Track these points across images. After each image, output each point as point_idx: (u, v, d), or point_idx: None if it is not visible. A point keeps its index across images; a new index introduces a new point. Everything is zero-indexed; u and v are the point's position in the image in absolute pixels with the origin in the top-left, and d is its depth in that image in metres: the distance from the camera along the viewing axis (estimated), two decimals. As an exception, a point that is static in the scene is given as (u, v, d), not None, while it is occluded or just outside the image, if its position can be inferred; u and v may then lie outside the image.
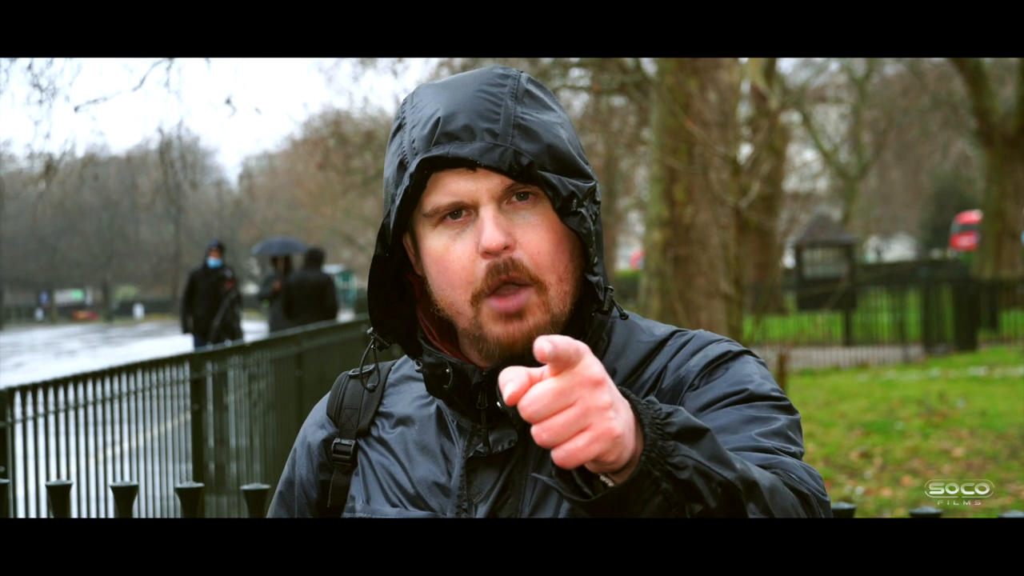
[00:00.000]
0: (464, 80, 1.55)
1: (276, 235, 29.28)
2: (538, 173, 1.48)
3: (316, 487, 1.69)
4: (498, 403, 1.51)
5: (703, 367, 1.53)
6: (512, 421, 1.52)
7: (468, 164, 1.48)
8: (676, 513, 1.24)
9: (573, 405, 1.18)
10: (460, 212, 1.51)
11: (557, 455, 1.18)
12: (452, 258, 1.51)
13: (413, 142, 1.52)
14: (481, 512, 1.53)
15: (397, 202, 1.52)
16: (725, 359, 1.54)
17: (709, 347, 1.56)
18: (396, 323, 1.63)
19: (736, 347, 1.57)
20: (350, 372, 1.73)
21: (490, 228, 1.48)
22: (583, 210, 1.50)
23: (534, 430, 1.19)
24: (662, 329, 1.62)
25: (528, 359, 1.47)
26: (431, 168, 1.50)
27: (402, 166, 1.53)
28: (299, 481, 1.71)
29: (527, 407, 1.18)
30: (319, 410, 1.74)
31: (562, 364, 1.18)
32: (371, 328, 1.63)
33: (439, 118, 1.50)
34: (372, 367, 1.71)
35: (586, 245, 1.51)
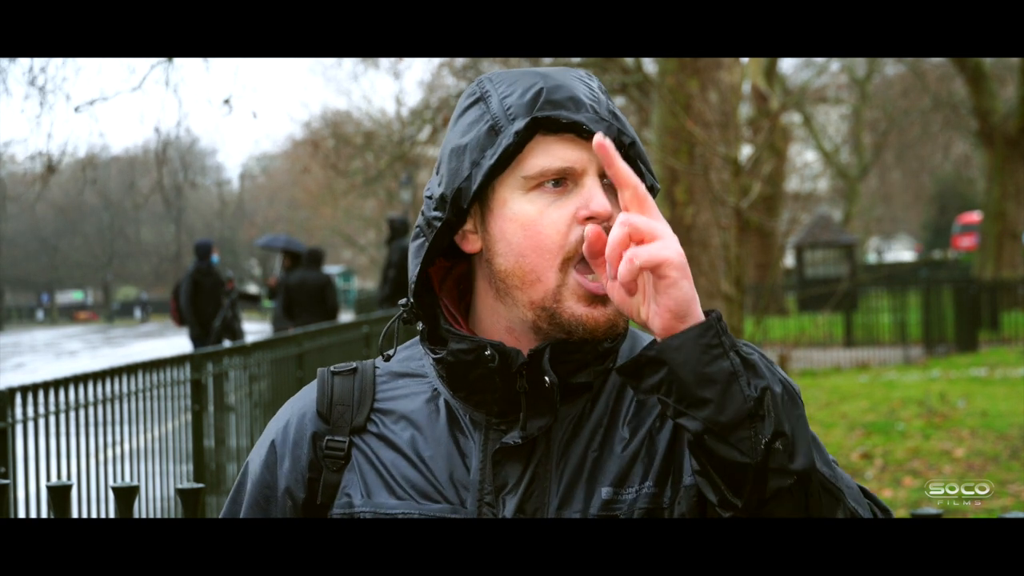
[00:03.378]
0: (552, 68, 1.59)
1: (277, 234, 29.23)
2: (635, 156, 1.54)
3: (304, 487, 1.61)
4: (546, 378, 1.51)
5: None
6: (555, 404, 1.52)
7: (579, 130, 1.50)
8: (743, 384, 1.34)
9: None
10: (561, 182, 1.51)
11: (628, 253, 1.35)
12: (546, 222, 1.50)
13: (508, 108, 1.53)
14: (510, 504, 1.51)
15: (492, 161, 1.51)
16: None
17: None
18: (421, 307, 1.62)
19: None
20: (331, 368, 1.68)
21: (600, 195, 1.50)
22: None
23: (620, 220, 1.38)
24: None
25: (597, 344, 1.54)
26: (536, 129, 1.51)
27: (493, 130, 1.52)
28: (283, 487, 1.62)
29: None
30: (302, 407, 1.67)
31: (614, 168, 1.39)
32: (405, 300, 1.61)
33: (542, 88, 1.53)
34: (387, 357, 1.68)
35: None
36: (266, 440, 1.67)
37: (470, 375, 1.55)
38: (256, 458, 1.66)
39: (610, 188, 1.52)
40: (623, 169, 1.39)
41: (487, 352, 1.52)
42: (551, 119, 1.50)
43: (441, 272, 1.64)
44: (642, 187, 1.38)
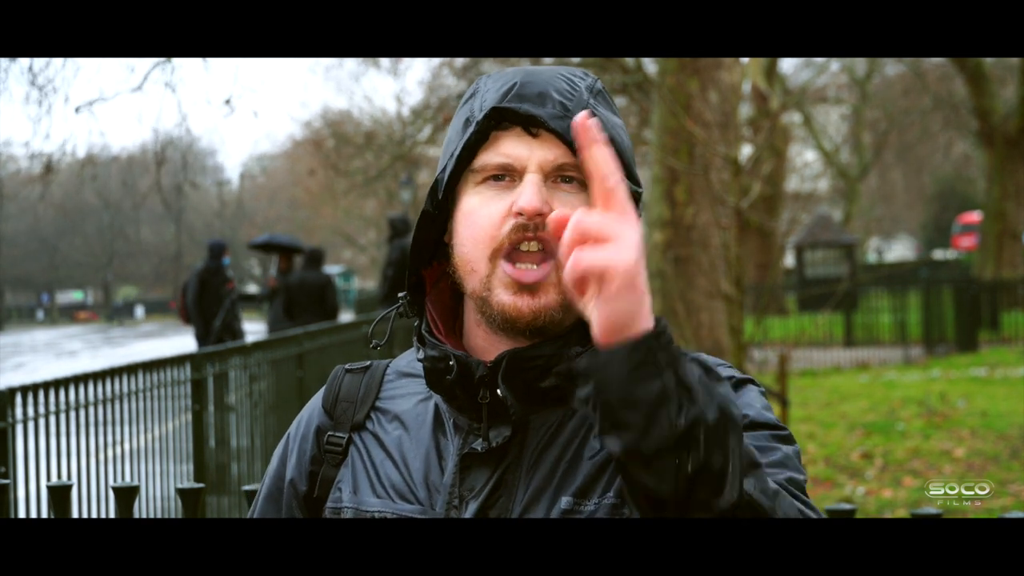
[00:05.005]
0: (546, 67, 1.60)
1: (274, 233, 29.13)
2: None
3: (306, 479, 1.68)
4: (498, 391, 1.51)
5: None
6: (510, 416, 1.53)
7: (536, 123, 1.51)
8: (672, 411, 1.22)
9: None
10: (504, 176, 1.53)
11: (574, 255, 1.25)
12: (483, 213, 1.53)
13: (484, 102, 1.55)
14: (471, 509, 1.52)
15: (457, 152, 1.54)
16: (731, 382, 1.55)
17: (718, 368, 1.56)
18: (416, 305, 1.65)
19: (740, 374, 1.58)
20: (346, 366, 1.73)
21: (530, 192, 1.50)
22: None
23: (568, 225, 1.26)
24: None
25: (528, 336, 1.50)
26: (499, 119, 1.53)
27: (467, 123, 1.56)
28: (288, 478, 1.69)
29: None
30: (314, 403, 1.73)
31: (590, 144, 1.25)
32: (403, 293, 1.64)
33: (516, 83, 1.54)
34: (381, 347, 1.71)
35: None
36: (286, 434, 1.74)
37: (443, 382, 1.57)
38: (276, 451, 1.74)
39: (565, 184, 1.53)
40: (594, 157, 1.26)
41: (450, 362, 1.54)
42: (511, 111, 1.52)
43: (436, 274, 1.66)
44: (612, 179, 1.25)
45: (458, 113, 1.61)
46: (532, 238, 1.50)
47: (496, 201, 1.52)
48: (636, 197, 1.57)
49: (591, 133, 1.26)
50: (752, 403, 1.53)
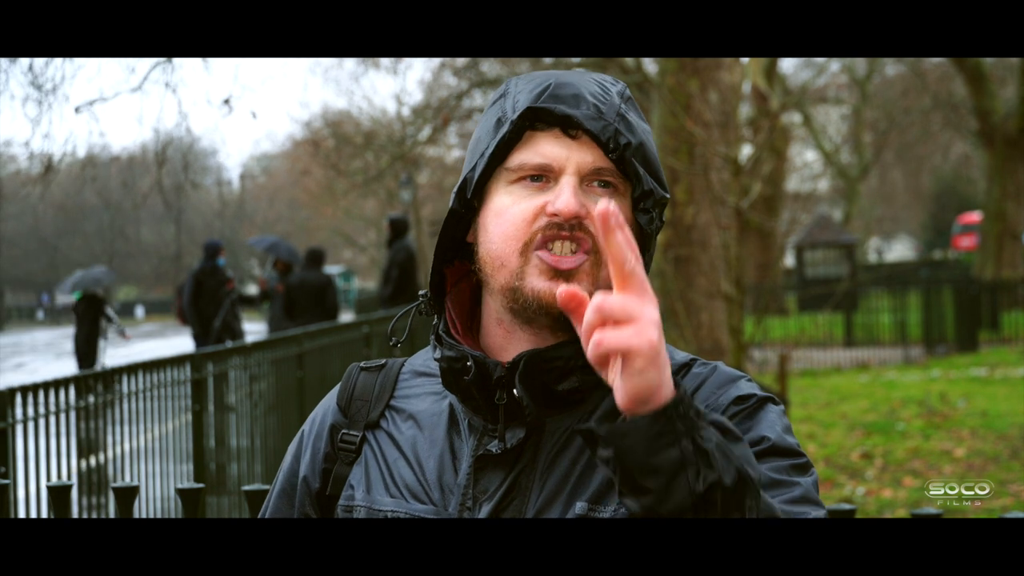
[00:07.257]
0: (574, 71, 1.60)
1: (277, 235, 29.09)
2: (630, 158, 1.52)
3: (319, 477, 1.67)
4: (515, 391, 1.51)
5: (732, 401, 1.53)
6: (526, 417, 1.52)
7: (572, 124, 1.51)
8: (691, 476, 1.26)
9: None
10: (541, 177, 1.53)
11: (596, 336, 1.25)
12: (515, 210, 1.52)
13: (516, 102, 1.55)
14: (485, 511, 1.52)
15: (490, 151, 1.54)
16: (752, 401, 1.54)
17: (739, 383, 1.56)
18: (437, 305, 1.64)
19: (761, 391, 1.57)
20: (361, 364, 1.73)
21: (568, 194, 1.50)
22: (653, 213, 1.55)
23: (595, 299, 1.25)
24: (682, 355, 1.62)
25: (563, 322, 1.48)
26: (533, 119, 1.53)
27: (499, 123, 1.55)
28: (302, 475, 1.69)
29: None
30: (329, 400, 1.73)
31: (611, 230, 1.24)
32: (424, 291, 1.64)
33: (550, 84, 1.54)
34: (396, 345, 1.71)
35: (644, 248, 1.54)
36: (300, 431, 1.74)
37: (460, 382, 1.56)
38: (290, 447, 1.74)
39: (600, 188, 1.53)
40: (614, 243, 1.26)
41: (468, 363, 1.54)
42: (546, 111, 1.51)
43: (457, 274, 1.66)
44: (629, 263, 1.25)
45: (487, 113, 1.60)
46: (567, 237, 1.50)
47: (528, 200, 1.52)
48: (663, 203, 1.57)
49: (612, 220, 1.25)
50: (773, 424, 1.52)
